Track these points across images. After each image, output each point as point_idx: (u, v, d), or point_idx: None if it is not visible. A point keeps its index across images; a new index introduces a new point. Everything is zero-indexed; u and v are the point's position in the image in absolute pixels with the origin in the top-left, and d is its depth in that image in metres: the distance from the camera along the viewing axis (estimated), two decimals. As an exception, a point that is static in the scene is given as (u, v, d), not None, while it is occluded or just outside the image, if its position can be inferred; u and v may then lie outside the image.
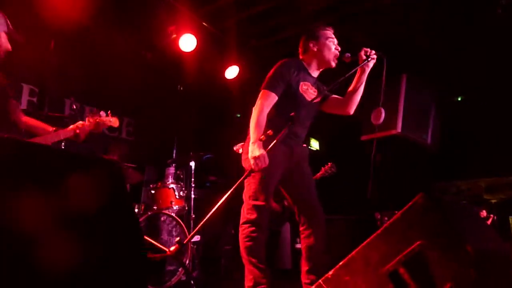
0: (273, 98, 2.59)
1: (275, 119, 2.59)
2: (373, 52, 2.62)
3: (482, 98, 5.14)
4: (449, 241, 1.53)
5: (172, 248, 2.27)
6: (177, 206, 4.04)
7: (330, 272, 1.82)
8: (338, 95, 2.90)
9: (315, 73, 2.83)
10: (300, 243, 5.45)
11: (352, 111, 2.82)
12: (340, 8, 4.64)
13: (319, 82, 2.87)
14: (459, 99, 5.72)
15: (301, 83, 2.69)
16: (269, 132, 2.40)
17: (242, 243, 2.54)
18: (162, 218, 3.80)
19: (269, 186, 2.59)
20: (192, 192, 4.30)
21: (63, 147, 3.51)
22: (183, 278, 3.65)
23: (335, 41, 2.78)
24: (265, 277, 2.48)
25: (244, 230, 2.54)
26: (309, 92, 2.73)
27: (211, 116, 6.47)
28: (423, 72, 5.06)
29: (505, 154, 4.74)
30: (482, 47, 4.52)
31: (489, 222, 4.65)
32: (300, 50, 2.88)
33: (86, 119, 2.70)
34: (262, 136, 2.43)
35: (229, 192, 2.29)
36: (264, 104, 2.56)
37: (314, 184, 2.82)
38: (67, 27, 4.20)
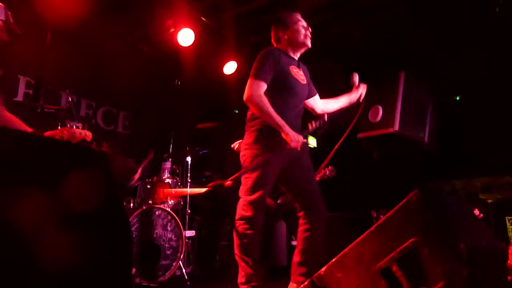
0: (263, 86, 2.53)
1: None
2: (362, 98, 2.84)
3: (479, 97, 5.13)
4: (442, 238, 1.52)
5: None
6: (172, 201, 4.03)
7: (323, 269, 1.82)
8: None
9: (295, 56, 2.81)
10: (295, 240, 5.45)
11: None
12: (340, 5, 4.62)
13: (303, 64, 2.87)
14: (457, 98, 5.72)
15: (291, 66, 2.68)
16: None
17: (236, 240, 2.51)
18: (157, 213, 3.79)
19: (267, 182, 2.53)
20: (188, 187, 4.29)
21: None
22: (177, 273, 3.65)
23: (304, 22, 2.77)
24: (257, 274, 2.46)
25: (238, 227, 2.51)
26: (299, 74, 2.72)
27: (208, 111, 6.45)
28: (421, 70, 5.05)
29: (502, 154, 4.73)
30: (481, 47, 4.52)
31: None
32: (273, 40, 2.86)
33: (59, 129, 2.66)
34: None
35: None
36: (257, 92, 2.50)
37: (315, 178, 2.79)
38: (64, 20, 4.16)
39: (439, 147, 5.28)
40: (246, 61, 5.63)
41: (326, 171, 4.61)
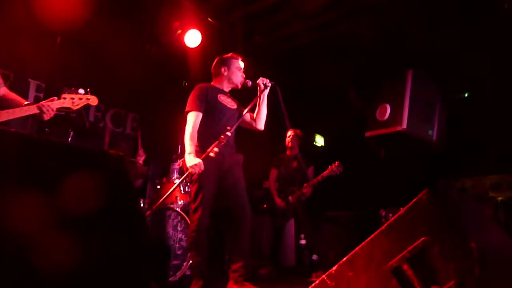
0: (199, 115, 3.05)
1: (208, 132, 3.02)
2: (268, 81, 3.22)
3: (488, 95, 5.09)
4: (453, 237, 1.52)
5: None
6: (182, 201, 4.05)
7: (334, 268, 1.82)
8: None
9: (226, 90, 3.32)
10: (303, 239, 5.45)
11: (262, 127, 3.34)
12: (349, 3, 4.62)
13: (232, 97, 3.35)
14: (466, 95, 5.67)
15: (219, 94, 3.19)
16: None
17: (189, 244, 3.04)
18: (167, 213, 3.82)
19: (206, 194, 2.96)
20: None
21: (69, 141, 3.54)
22: (188, 272, 3.67)
23: (242, 69, 3.36)
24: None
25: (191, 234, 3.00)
26: (227, 101, 3.23)
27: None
28: (429, 67, 5.02)
29: (511, 151, 4.70)
30: (490, 44, 4.48)
31: None
32: (212, 72, 3.36)
33: (61, 96, 2.63)
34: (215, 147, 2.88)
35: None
36: (193, 123, 3.00)
37: (244, 187, 3.18)
38: (72, 23, 4.21)
39: (448, 145, 5.25)
40: (252, 62, 5.63)
41: (333, 167, 4.60)
